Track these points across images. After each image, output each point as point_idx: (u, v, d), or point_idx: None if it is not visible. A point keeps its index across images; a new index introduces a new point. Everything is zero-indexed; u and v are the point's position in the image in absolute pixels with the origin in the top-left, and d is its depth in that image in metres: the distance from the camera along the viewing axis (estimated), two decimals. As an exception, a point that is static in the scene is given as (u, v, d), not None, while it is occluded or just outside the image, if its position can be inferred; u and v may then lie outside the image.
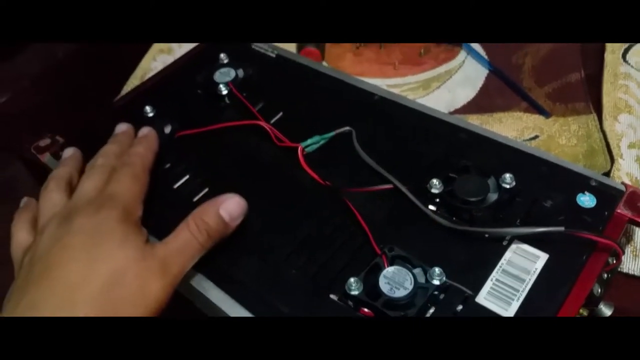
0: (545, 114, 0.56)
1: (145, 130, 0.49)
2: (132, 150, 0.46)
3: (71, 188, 0.44)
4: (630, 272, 0.44)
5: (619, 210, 0.40)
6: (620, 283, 0.43)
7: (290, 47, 0.67)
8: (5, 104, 0.71)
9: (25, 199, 0.45)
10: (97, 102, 0.65)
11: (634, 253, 0.44)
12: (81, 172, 0.45)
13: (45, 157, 0.53)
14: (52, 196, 0.42)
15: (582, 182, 0.42)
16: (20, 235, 0.41)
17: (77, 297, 0.34)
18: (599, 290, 0.38)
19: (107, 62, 0.74)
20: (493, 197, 0.41)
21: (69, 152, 0.49)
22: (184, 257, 0.38)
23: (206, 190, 0.46)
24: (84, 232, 0.37)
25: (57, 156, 0.52)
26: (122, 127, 0.50)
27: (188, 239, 0.38)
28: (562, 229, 0.37)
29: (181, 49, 0.72)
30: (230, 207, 0.40)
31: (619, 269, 0.44)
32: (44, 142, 0.54)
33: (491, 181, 0.42)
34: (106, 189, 0.41)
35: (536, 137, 0.54)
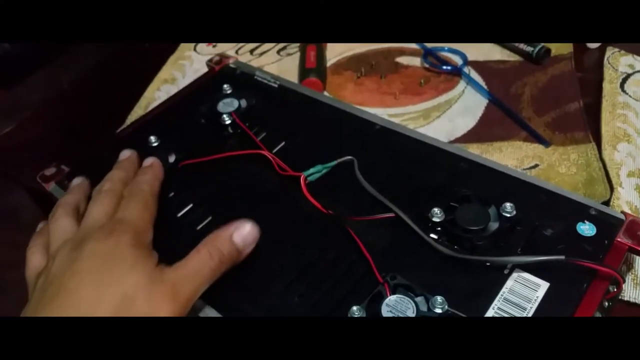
0: (545, 143, 0.56)
1: (150, 160, 0.49)
2: (139, 178, 0.46)
3: (79, 214, 0.44)
4: (632, 299, 0.44)
5: (619, 239, 0.40)
6: (622, 311, 0.43)
7: (293, 78, 0.68)
8: (9, 133, 0.72)
9: (41, 224, 0.46)
10: (101, 132, 0.65)
11: (635, 281, 0.45)
12: (88, 199, 0.45)
13: (51, 186, 0.53)
14: (62, 222, 0.43)
15: (582, 211, 0.42)
16: (35, 259, 0.42)
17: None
18: (600, 318, 0.38)
19: (111, 91, 0.75)
20: (494, 225, 0.41)
21: (77, 180, 0.49)
22: (194, 283, 0.38)
23: (209, 218, 0.47)
24: (95, 256, 0.37)
25: (62, 185, 0.52)
26: (126, 154, 0.50)
27: (199, 265, 0.38)
28: (562, 257, 0.37)
29: (185, 79, 0.74)
30: (244, 233, 0.41)
31: (620, 297, 0.44)
32: (49, 171, 0.55)
33: (492, 210, 0.42)
34: (116, 214, 0.41)
35: (536, 165, 0.54)
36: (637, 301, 0.44)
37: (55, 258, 0.38)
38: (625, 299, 0.44)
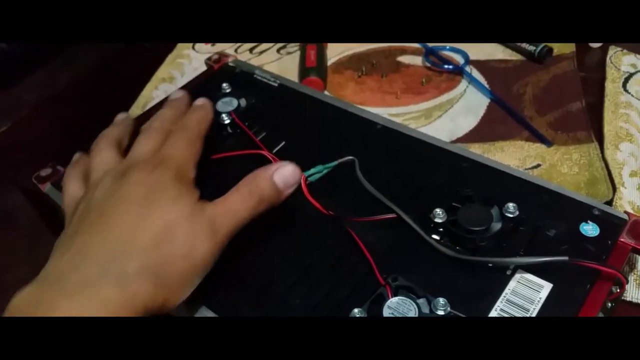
0: (547, 142, 0.56)
1: (201, 101, 0.49)
2: (188, 116, 0.46)
3: (121, 149, 0.44)
4: (634, 300, 0.43)
5: (622, 239, 0.40)
6: (624, 311, 0.43)
7: (293, 77, 0.68)
8: (5, 132, 0.72)
9: (77, 155, 0.46)
10: (99, 132, 0.65)
11: (637, 282, 0.44)
12: (132, 136, 0.45)
13: (46, 187, 0.53)
14: (105, 153, 0.43)
15: (584, 211, 0.42)
16: (73, 187, 0.42)
17: (128, 248, 0.34)
18: (604, 319, 0.38)
19: (109, 91, 0.75)
20: (496, 226, 0.41)
21: (121, 115, 0.49)
22: (231, 219, 0.38)
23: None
24: (139, 186, 0.37)
25: (58, 186, 0.52)
26: (177, 94, 0.50)
27: (238, 202, 0.39)
28: (566, 258, 0.37)
29: (183, 77, 0.73)
30: (285, 174, 0.40)
31: (622, 298, 0.43)
32: (45, 171, 0.54)
33: (494, 210, 0.42)
34: (162, 150, 0.41)
35: (538, 165, 0.54)
36: (639, 301, 0.43)
37: (98, 186, 0.39)
38: (628, 299, 0.44)
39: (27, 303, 0.32)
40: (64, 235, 0.38)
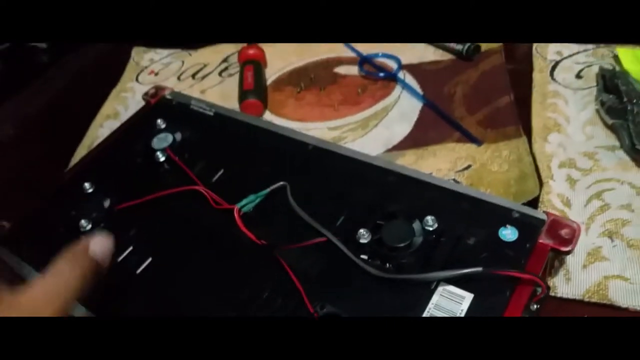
0: (477, 142, 0.57)
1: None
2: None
3: None
4: (564, 296, 0.44)
5: (541, 241, 0.41)
6: (556, 308, 0.44)
7: (234, 99, 0.69)
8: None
9: None
10: (47, 178, 0.65)
11: (567, 276, 0.45)
12: None
13: None
14: None
15: (504, 215, 0.43)
16: None
17: None
18: (528, 321, 0.39)
19: (54, 133, 0.75)
20: (419, 240, 0.42)
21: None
22: (53, 305, 0.35)
23: (150, 260, 0.47)
24: None
25: (3, 241, 0.53)
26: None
27: (56, 281, 0.36)
28: (479, 269, 0.38)
29: (127, 111, 0.74)
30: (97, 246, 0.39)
31: (553, 294, 0.44)
32: (-12, 227, 0.55)
33: (416, 225, 0.43)
34: None
35: (469, 166, 0.55)
36: (569, 297, 0.44)
37: None
38: (559, 295, 0.45)
39: None
40: None
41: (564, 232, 0.41)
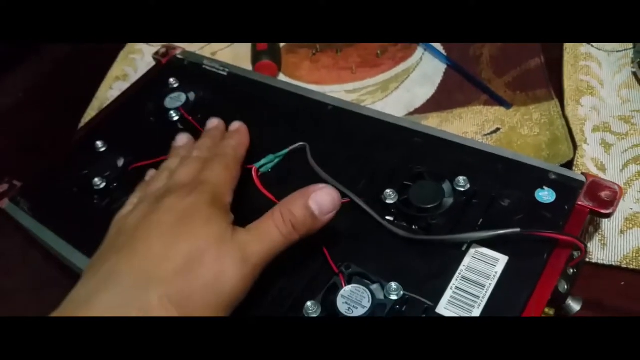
0: (506, 105, 0.54)
1: (236, 125, 0.49)
2: (224, 143, 0.46)
3: None
4: (600, 261, 0.42)
5: (579, 203, 0.39)
6: (590, 274, 0.42)
7: (246, 62, 0.66)
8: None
9: (149, 173, 0.47)
10: (57, 140, 0.63)
11: (602, 242, 0.43)
12: None
13: (5, 204, 0.52)
14: (154, 183, 0.43)
15: (540, 177, 0.41)
16: (127, 207, 0.42)
17: (152, 276, 0.33)
18: (565, 286, 0.37)
19: (66, 95, 0.73)
20: (449, 202, 0.40)
21: (181, 141, 0.48)
22: (264, 247, 0.36)
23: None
24: (171, 211, 0.37)
25: (16, 201, 0.51)
26: (213, 123, 0.49)
27: (270, 229, 0.36)
28: (518, 230, 0.36)
29: (137, 73, 0.71)
30: (321, 199, 0.36)
31: (587, 260, 0.42)
32: (2, 188, 0.53)
33: (446, 185, 0.41)
34: (199, 176, 0.41)
35: (497, 130, 0.52)
36: (604, 262, 0.42)
37: (135, 210, 0.39)
38: (594, 261, 0.43)
39: None
40: (96, 256, 0.37)
41: (604, 194, 0.39)
